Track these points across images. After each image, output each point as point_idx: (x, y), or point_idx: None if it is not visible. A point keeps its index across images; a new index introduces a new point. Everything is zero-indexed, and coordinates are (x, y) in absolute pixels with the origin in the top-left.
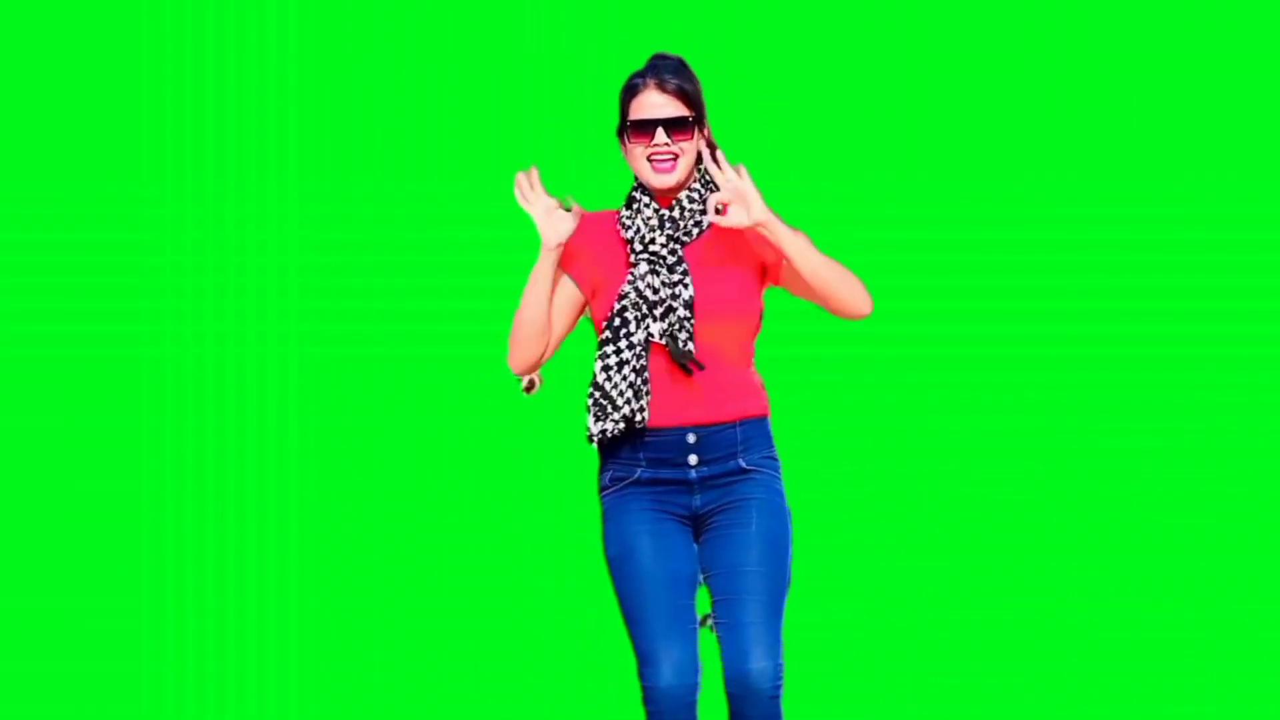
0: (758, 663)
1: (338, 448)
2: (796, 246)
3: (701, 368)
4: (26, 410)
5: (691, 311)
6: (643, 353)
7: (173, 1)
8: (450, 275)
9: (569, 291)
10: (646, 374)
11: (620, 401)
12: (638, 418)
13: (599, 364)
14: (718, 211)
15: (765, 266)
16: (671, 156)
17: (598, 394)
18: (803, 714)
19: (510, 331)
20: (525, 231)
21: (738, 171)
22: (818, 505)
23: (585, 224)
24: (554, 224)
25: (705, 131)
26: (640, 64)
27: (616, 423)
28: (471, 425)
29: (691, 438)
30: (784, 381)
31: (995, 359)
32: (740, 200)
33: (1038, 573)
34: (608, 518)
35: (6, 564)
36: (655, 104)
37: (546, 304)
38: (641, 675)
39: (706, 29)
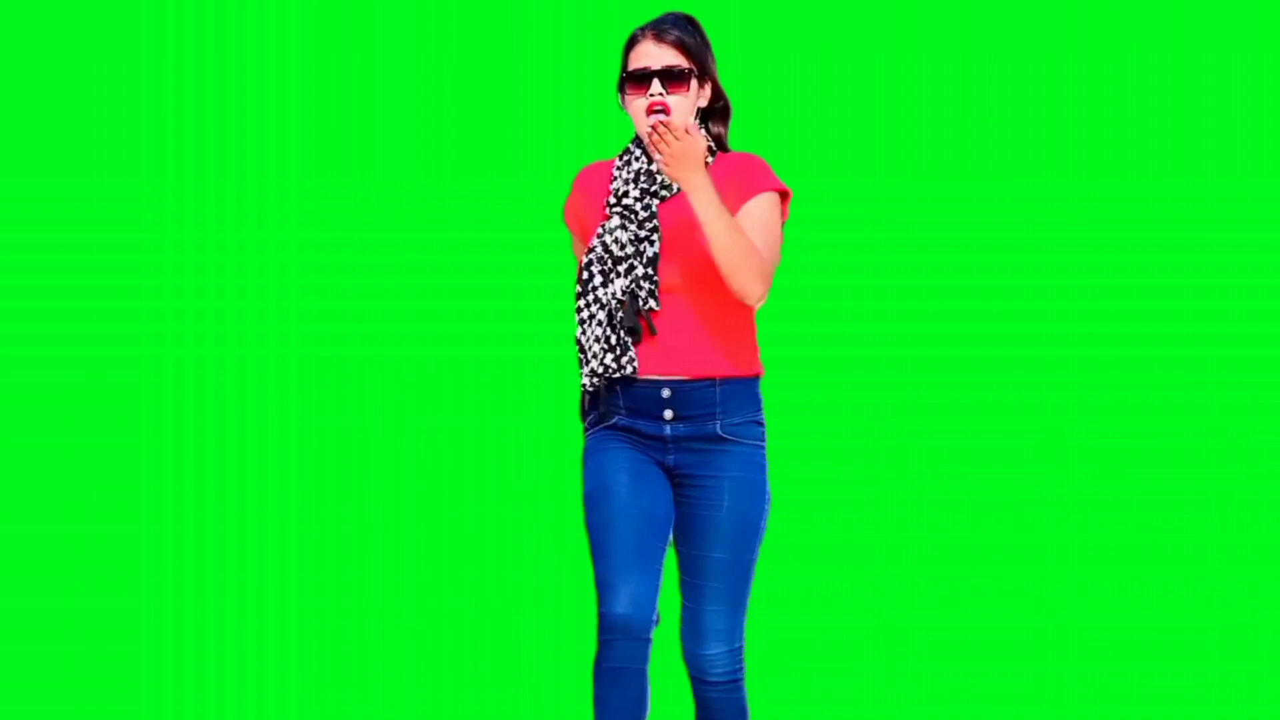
0: (712, 649)
1: (338, 448)
2: (709, 213)
3: (654, 331)
4: (26, 410)
5: (654, 269)
6: (610, 308)
7: (173, 1)
8: (450, 275)
9: (577, 243)
10: (616, 328)
11: (590, 355)
12: (612, 371)
13: (576, 318)
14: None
15: None
16: (665, 109)
17: (577, 347)
18: (803, 713)
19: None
20: (524, 231)
21: (687, 131)
22: (814, 506)
23: (585, 174)
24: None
25: (707, 87)
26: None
27: (591, 376)
28: (471, 425)
29: (666, 392)
30: (782, 381)
31: (994, 359)
32: (679, 159)
33: (1036, 573)
34: (587, 454)
35: (6, 564)
36: (651, 54)
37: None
38: (599, 603)
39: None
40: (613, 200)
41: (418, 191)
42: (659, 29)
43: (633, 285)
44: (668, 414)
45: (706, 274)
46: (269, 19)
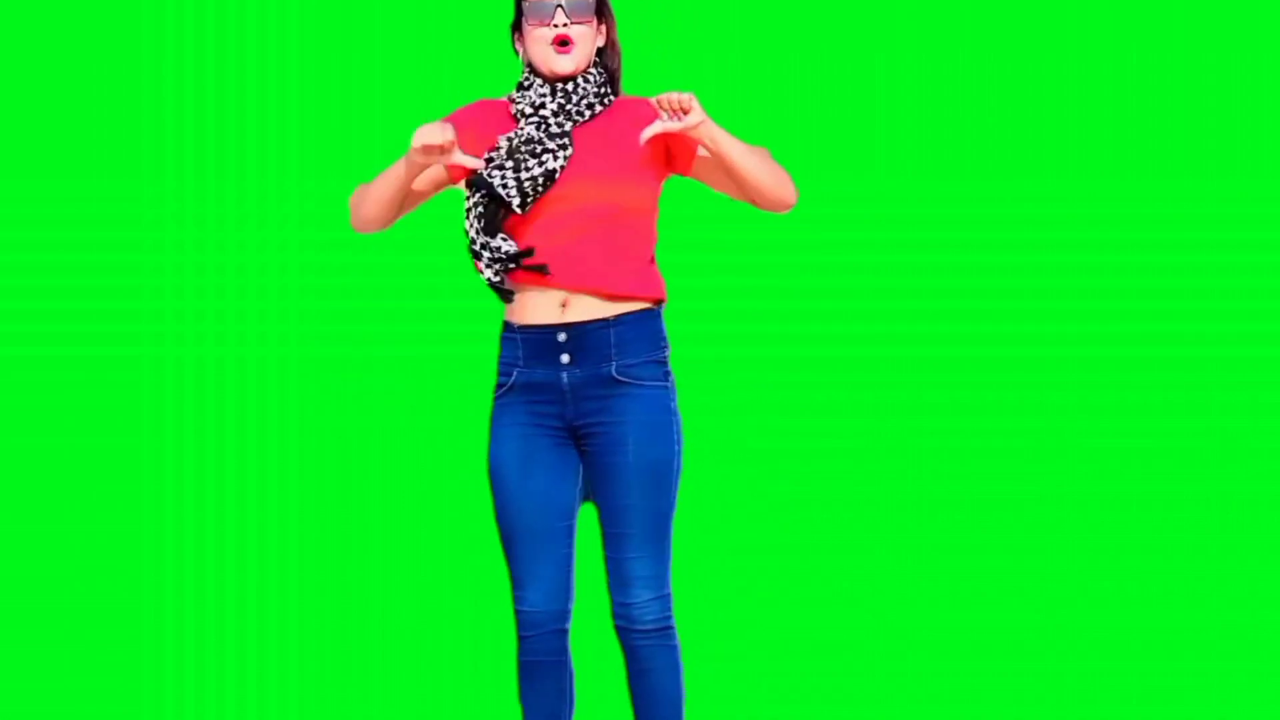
0: (640, 596)
1: (337, 448)
2: (735, 147)
3: (530, 254)
4: (26, 410)
5: (550, 182)
6: (483, 199)
7: (173, 1)
8: (450, 275)
9: (433, 171)
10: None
11: (479, 246)
12: (505, 251)
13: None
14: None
15: (670, 155)
16: (569, 41)
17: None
18: (802, 713)
19: (353, 197)
20: None
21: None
22: (814, 506)
23: (475, 106)
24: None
25: (605, 27)
26: (638, 69)
27: (493, 264)
28: (472, 425)
29: (562, 336)
30: (781, 381)
31: (993, 360)
32: (683, 104)
33: (1036, 573)
34: (491, 425)
35: (6, 564)
36: None
37: (397, 190)
38: (512, 600)
39: (704, 30)
40: (527, 110)
41: None
42: None
43: (518, 183)
44: (565, 358)
45: (609, 203)
46: (268, 19)
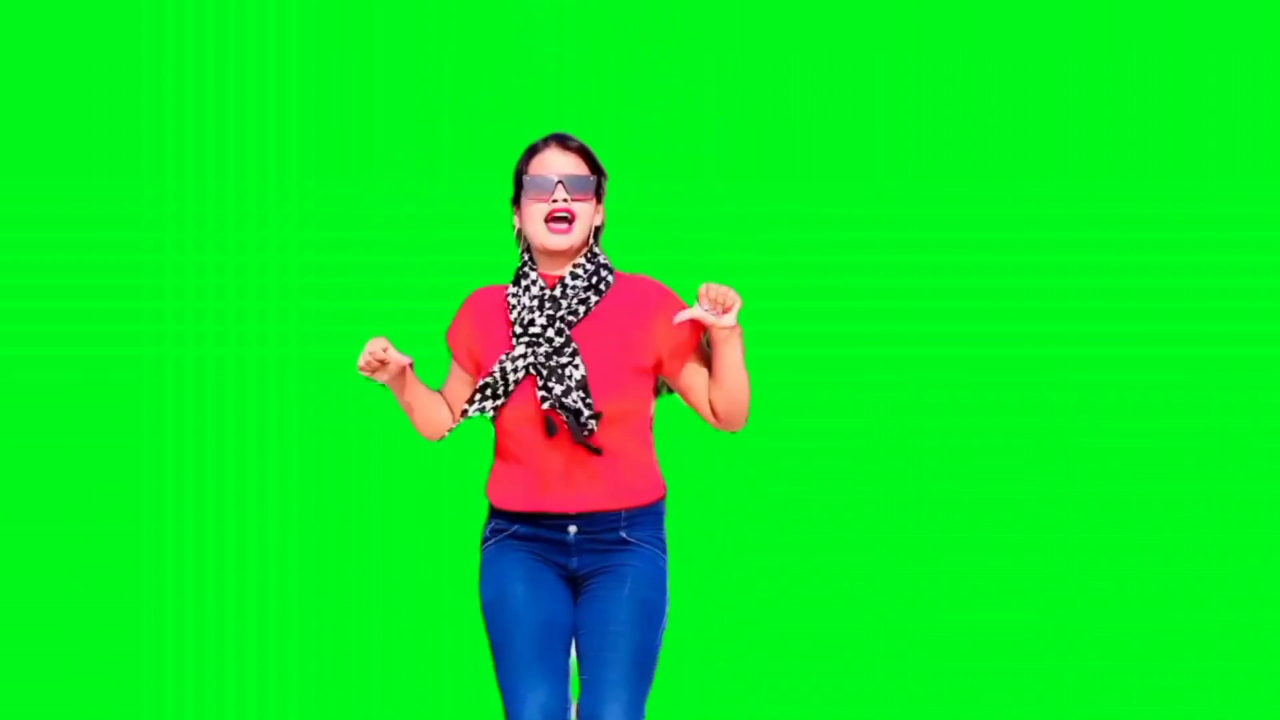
0: (612, 718)
1: (337, 448)
2: (741, 358)
3: (598, 452)
4: (26, 410)
5: (588, 391)
6: (553, 413)
7: (173, 1)
8: (450, 275)
9: (461, 377)
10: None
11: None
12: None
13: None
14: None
15: (660, 357)
16: (569, 217)
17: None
18: (801, 713)
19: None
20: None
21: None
22: (813, 505)
23: (474, 299)
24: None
25: (601, 211)
26: (638, 68)
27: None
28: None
29: (572, 529)
30: (781, 381)
31: (992, 360)
32: (727, 301)
33: (1035, 574)
34: (484, 567)
35: (6, 564)
36: (556, 162)
37: (431, 406)
38: (506, 715)
39: (703, 29)
40: (518, 330)
41: (417, 192)
42: (562, 138)
43: (568, 397)
44: (571, 529)
45: (616, 400)
46: (268, 19)
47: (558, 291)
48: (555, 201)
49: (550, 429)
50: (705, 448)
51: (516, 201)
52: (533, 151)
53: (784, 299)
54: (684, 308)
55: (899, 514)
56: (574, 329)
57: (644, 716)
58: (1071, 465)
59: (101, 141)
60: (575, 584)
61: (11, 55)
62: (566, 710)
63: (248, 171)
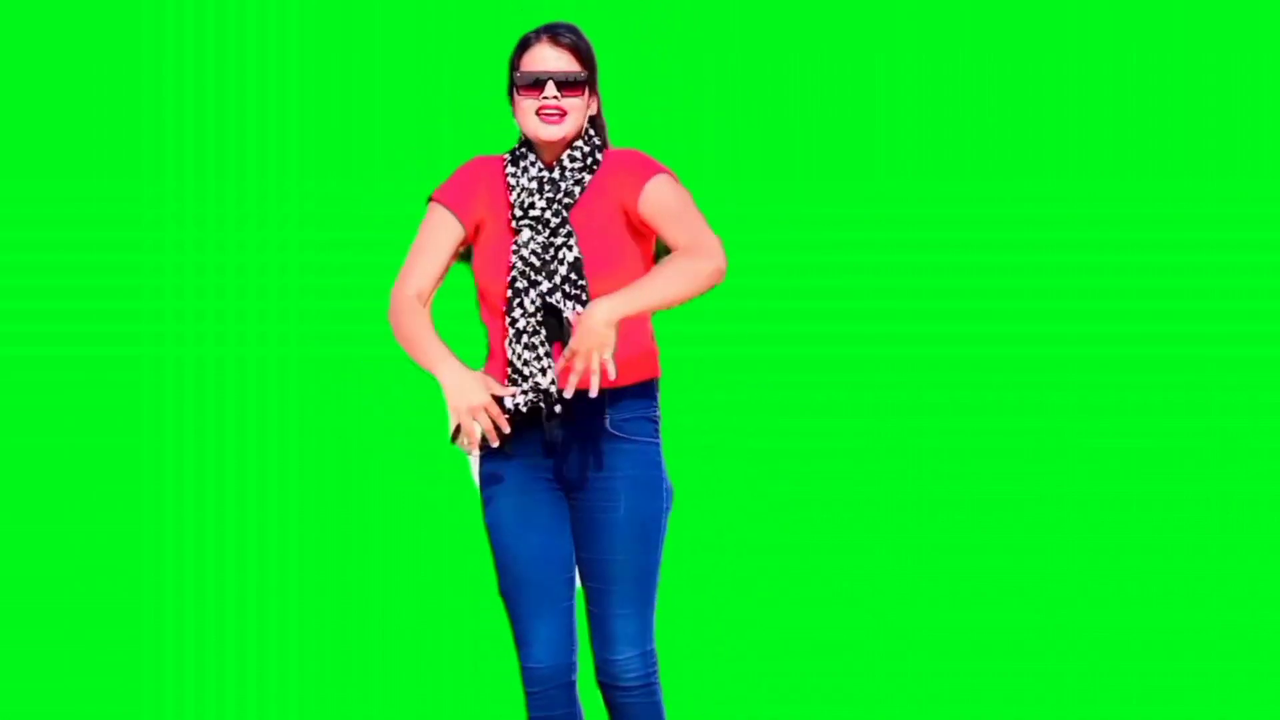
0: (623, 653)
1: (337, 447)
2: (661, 297)
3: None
4: (26, 410)
5: (581, 274)
6: (539, 318)
7: (173, 1)
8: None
9: (452, 229)
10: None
11: (527, 372)
12: (549, 385)
13: (501, 337)
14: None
15: (644, 223)
16: (560, 112)
17: (507, 367)
18: (801, 713)
19: (390, 312)
20: None
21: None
22: (813, 505)
23: (476, 164)
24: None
25: (595, 99)
26: (638, 68)
27: (527, 393)
28: None
29: (556, 406)
30: (780, 381)
31: (992, 359)
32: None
33: (1035, 574)
34: (482, 481)
35: (6, 563)
36: (548, 58)
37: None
38: (518, 656)
39: (701, 29)
40: (518, 212)
41: (417, 192)
42: (554, 33)
43: (554, 295)
44: (557, 433)
45: (611, 276)
46: (268, 19)
47: (555, 173)
48: (545, 98)
49: (549, 332)
50: (705, 448)
51: (511, 90)
52: (525, 45)
53: (784, 299)
54: (660, 171)
55: (899, 514)
56: (571, 211)
57: (653, 627)
58: (1071, 465)
59: (101, 141)
60: (568, 489)
61: (11, 55)
62: (571, 642)
63: (247, 172)
